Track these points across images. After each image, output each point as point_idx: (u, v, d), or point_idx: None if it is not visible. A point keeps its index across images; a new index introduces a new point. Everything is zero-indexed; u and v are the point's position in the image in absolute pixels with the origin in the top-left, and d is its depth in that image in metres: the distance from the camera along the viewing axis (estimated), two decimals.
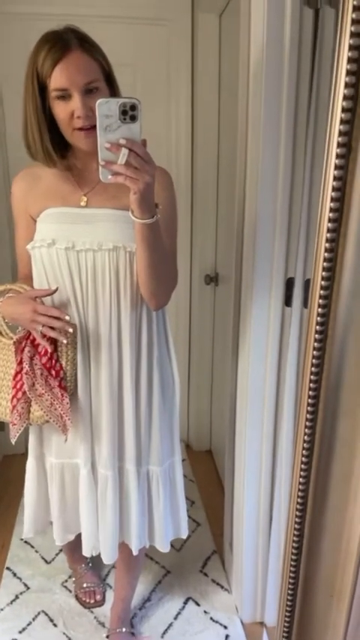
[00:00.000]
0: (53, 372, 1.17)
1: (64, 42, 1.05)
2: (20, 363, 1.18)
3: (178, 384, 1.36)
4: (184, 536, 1.45)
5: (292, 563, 1.24)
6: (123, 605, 1.54)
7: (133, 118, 0.95)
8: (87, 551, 1.33)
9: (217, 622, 1.61)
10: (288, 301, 1.39)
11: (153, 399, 1.30)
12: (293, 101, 1.25)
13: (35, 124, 1.10)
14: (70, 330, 1.13)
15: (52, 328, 1.12)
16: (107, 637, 1.53)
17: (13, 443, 1.21)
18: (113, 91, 1.15)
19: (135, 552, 1.35)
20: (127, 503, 1.32)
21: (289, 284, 1.38)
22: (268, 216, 1.33)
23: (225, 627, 1.59)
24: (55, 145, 1.14)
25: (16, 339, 1.20)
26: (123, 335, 1.22)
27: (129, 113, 0.94)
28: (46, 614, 1.63)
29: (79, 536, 1.38)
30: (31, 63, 1.08)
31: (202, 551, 1.92)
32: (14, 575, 1.79)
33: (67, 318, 1.13)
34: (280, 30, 1.21)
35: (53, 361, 1.17)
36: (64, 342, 1.16)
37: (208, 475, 2.44)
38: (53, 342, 1.18)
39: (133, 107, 0.94)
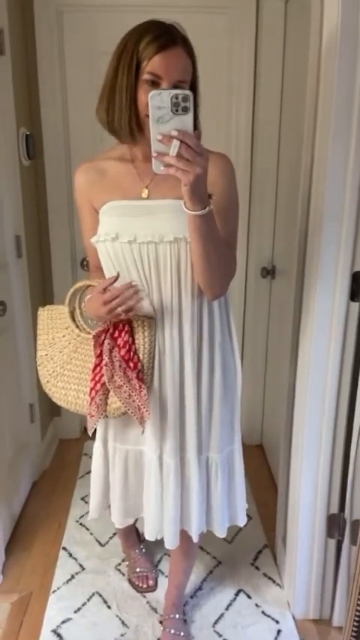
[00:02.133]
0: (131, 364, 1.19)
1: (171, 35, 1.09)
2: (99, 355, 1.21)
3: (240, 372, 1.36)
4: (242, 524, 1.45)
5: None
6: (177, 592, 1.56)
7: (185, 110, 0.94)
8: (151, 535, 1.36)
9: (268, 616, 1.61)
10: (354, 295, 1.36)
11: (214, 387, 1.30)
12: None
13: (126, 99, 1.10)
14: (133, 301, 1.13)
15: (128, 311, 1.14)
16: (161, 622, 1.55)
17: (90, 434, 1.25)
18: (196, 99, 1.14)
19: (195, 539, 1.37)
20: (188, 491, 1.33)
21: (356, 277, 1.35)
22: (335, 208, 1.30)
23: (277, 622, 1.58)
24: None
25: (96, 333, 1.23)
26: (184, 325, 1.23)
27: (181, 105, 0.94)
28: (101, 596, 1.68)
29: (134, 522, 1.40)
30: (131, 41, 1.09)
31: (254, 544, 1.91)
32: (70, 555, 1.85)
33: (134, 284, 1.13)
34: (356, 15, 1.17)
35: (131, 353, 1.19)
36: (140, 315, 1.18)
37: (259, 469, 2.43)
38: (132, 334, 1.21)
39: (185, 99, 0.93)
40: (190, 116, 0.94)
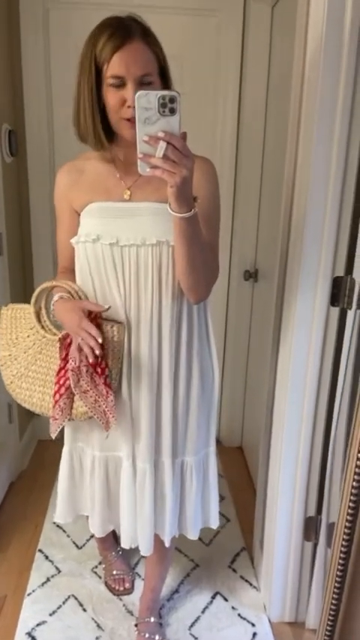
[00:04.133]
0: (99, 370, 1.17)
1: (126, 30, 1.05)
2: (65, 359, 1.19)
3: (217, 376, 1.35)
4: (215, 526, 1.44)
5: (341, 562, 1.23)
6: (152, 596, 1.55)
7: (172, 111, 0.92)
8: (126, 543, 1.34)
9: (244, 619, 1.61)
10: (334, 300, 1.37)
11: (191, 390, 1.30)
12: (350, 95, 1.23)
13: (89, 105, 1.09)
14: (97, 352, 1.12)
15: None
16: (136, 625, 1.54)
17: (53, 437, 1.23)
18: (167, 87, 1.13)
19: (167, 543, 1.36)
20: (162, 494, 1.33)
21: (336, 282, 1.36)
22: (317, 214, 1.31)
23: (253, 625, 1.59)
24: (103, 131, 1.12)
25: (62, 336, 1.21)
26: (163, 328, 1.22)
27: (168, 106, 0.92)
28: (76, 599, 1.66)
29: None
30: (89, 45, 1.07)
31: (231, 547, 1.91)
32: (46, 557, 1.83)
33: (97, 352, 1.12)
34: (341, 21, 1.18)
35: (99, 359, 1.16)
36: (90, 360, 1.15)
37: (238, 471, 2.44)
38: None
39: (172, 100, 0.92)
40: (177, 117, 0.93)
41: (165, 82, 1.12)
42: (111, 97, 1.07)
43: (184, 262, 1.11)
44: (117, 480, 1.34)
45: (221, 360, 2.60)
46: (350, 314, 1.35)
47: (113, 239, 1.16)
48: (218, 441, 2.68)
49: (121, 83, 1.05)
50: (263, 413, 1.75)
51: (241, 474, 2.42)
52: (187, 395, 1.30)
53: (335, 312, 1.39)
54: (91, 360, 1.14)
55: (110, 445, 1.31)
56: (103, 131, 1.12)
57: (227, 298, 2.49)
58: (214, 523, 1.44)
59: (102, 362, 1.17)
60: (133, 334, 1.22)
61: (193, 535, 1.40)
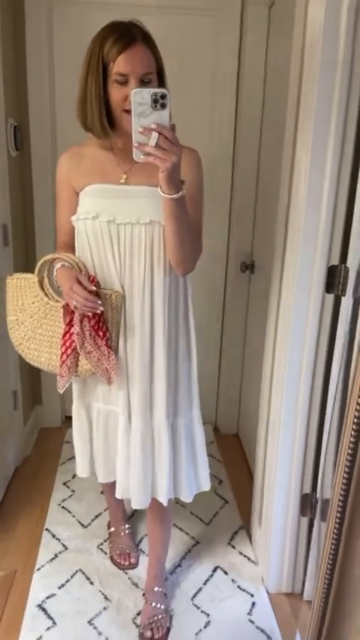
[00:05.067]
0: (100, 333, 1.33)
1: (131, 34, 1.20)
2: (69, 323, 1.34)
3: (194, 338, 1.49)
4: (207, 489, 1.55)
5: (334, 536, 1.31)
6: (158, 564, 1.64)
7: (163, 106, 1.08)
8: (119, 493, 1.48)
9: (244, 590, 1.70)
10: (329, 287, 1.45)
11: (179, 354, 1.45)
12: (346, 89, 1.30)
13: (96, 99, 1.23)
14: (100, 310, 1.29)
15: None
16: (144, 595, 1.63)
17: (61, 392, 1.40)
18: (162, 84, 1.28)
19: (165, 503, 1.47)
20: (159, 456, 1.45)
21: (331, 271, 1.44)
22: (314, 207, 1.39)
23: (252, 595, 1.68)
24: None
25: (66, 303, 1.34)
26: (155, 298, 1.36)
27: (159, 101, 1.07)
28: (84, 573, 1.74)
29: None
30: (97, 46, 1.21)
31: (230, 526, 2.00)
32: (53, 536, 1.91)
33: (100, 309, 1.29)
34: (337, 22, 1.26)
35: (100, 324, 1.33)
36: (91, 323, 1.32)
37: (235, 457, 2.52)
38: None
39: (163, 96, 1.07)
40: (167, 111, 1.08)
41: (161, 79, 1.28)
42: (115, 92, 1.22)
43: (173, 239, 1.26)
44: (115, 433, 1.48)
45: (218, 352, 2.69)
46: (344, 300, 1.43)
47: (111, 217, 1.30)
48: (216, 429, 2.77)
49: (125, 80, 1.20)
50: (259, 401, 1.84)
51: (238, 459, 2.51)
52: (176, 357, 1.45)
53: (330, 298, 1.48)
54: (92, 324, 1.30)
55: (111, 399, 1.46)
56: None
57: (225, 289, 2.57)
58: (206, 485, 1.55)
59: (103, 326, 1.33)
60: (127, 302, 1.37)
61: (187, 497, 1.51)
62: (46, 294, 1.43)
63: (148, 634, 1.51)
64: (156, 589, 1.61)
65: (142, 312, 1.36)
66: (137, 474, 1.44)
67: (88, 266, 1.37)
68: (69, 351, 1.35)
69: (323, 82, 1.30)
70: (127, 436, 1.44)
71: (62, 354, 1.36)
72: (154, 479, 1.46)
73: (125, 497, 1.49)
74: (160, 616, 1.56)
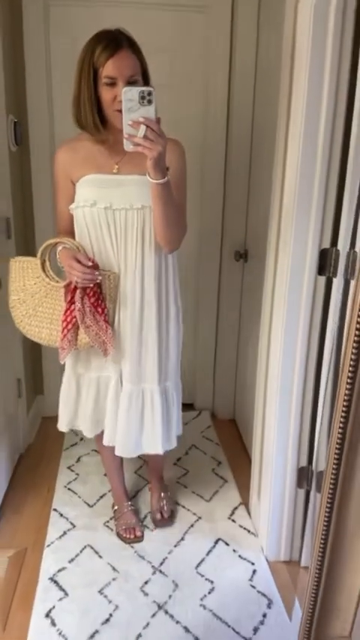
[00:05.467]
0: (99, 310, 1.50)
1: (117, 41, 1.36)
2: (70, 301, 1.50)
3: (180, 310, 1.69)
4: (179, 433, 1.83)
5: (328, 505, 1.41)
6: (157, 471, 2.02)
7: (150, 102, 1.24)
8: (107, 441, 1.71)
9: (245, 559, 1.79)
10: (321, 270, 1.55)
11: (170, 324, 1.65)
12: (335, 79, 1.38)
13: (88, 101, 1.40)
14: (99, 279, 1.46)
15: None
16: (150, 490, 2.06)
17: (62, 362, 1.62)
18: (146, 84, 1.42)
19: (162, 452, 1.72)
20: (153, 415, 1.68)
21: (323, 254, 1.53)
22: (306, 194, 1.48)
23: (252, 564, 1.77)
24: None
25: (67, 283, 1.51)
26: (146, 275, 1.55)
27: (146, 98, 1.24)
28: (92, 548, 1.82)
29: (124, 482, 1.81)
30: (87, 53, 1.37)
31: (230, 502, 2.10)
32: (61, 515, 1.99)
33: (99, 278, 1.47)
34: (325, 25, 1.35)
35: (99, 301, 1.51)
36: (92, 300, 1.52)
37: (232, 440, 2.61)
38: (99, 286, 1.50)
39: (150, 93, 1.24)
40: (153, 107, 1.25)
41: (146, 80, 1.44)
42: (105, 94, 1.38)
43: (160, 219, 1.44)
44: (105, 394, 1.69)
45: (214, 338, 2.78)
46: (335, 282, 1.53)
47: (107, 204, 1.47)
48: (213, 414, 2.86)
49: (113, 82, 1.36)
50: (254, 385, 1.93)
51: (235, 442, 2.60)
52: (167, 328, 1.64)
53: (322, 280, 1.57)
54: (92, 301, 1.48)
55: (103, 367, 1.66)
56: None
57: (219, 278, 2.65)
58: (178, 431, 1.82)
59: (102, 303, 1.51)
60: (122, 279, 1.55)
61: (166, 448, 1.75)
62: (47, 276, 1.59)
63: (158, 516, 1.94)
64: (159, 484, 2.00)
65: (134, 287, 1.55)
66: (123, 427, 1.66)
67: (87, 251, 1.53)
68: (69, 326, 1.51)
69: (313, 66, 1.38)
70: (117, 394, 1.65)
71: (63, 329, 1.52)
72: (146, 435, 1.70)
73: (112, 444, 1.70)
74: (164, 502, 1.97)
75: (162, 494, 2.02)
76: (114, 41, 1.35)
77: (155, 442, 1.71)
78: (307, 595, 1.48)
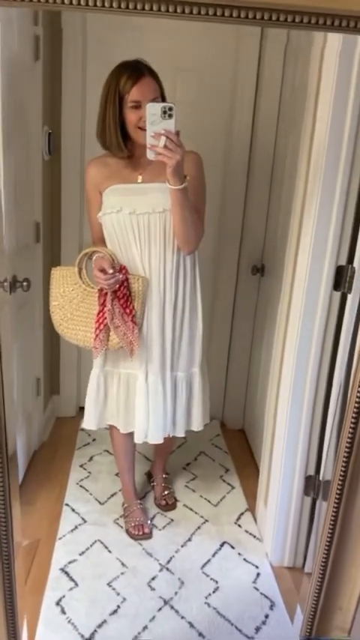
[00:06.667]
0: (127, 311, 1.64)
1: (139, 70, 1.56)
2: (103, 304, 1.65)
3: (200, 307, 1.82)
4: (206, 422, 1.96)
5: (334, 512, 1.47)
6: (163, 461, 2.17)
7: (170, 116, 1.41)
8: (139, 438, 1.80)
9: (249, 562, 1.85)
10: (337, 285, 1.62)
11: (184, 321, 1.78)
12: (358, 110, 1.46)
13: (114, 124, 1.59)
14: (119, 277, 1.60)
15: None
16: (152, 482, 2.20)
17: (95, 359, 1.76)
18: (164, 102, 1.59)
19: (182, 434, 1.89)
20: (180, 399, 1.84)
21: (339, 270, 1.61)
22: (325, 213, 1.56)
23: (256, 567, 1.83)
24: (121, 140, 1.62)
25: (101, 287, 1.64)
26: (166, 274, 1.69)
27: (167, 113, 1.41)
28: (102, 543, 1.89)
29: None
30: (113, 82, 1.57)
31: (236, 508, 2.15)
32: (73, 510, 2.06)
33: (118, 277, 1.61)
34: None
35: (128, 303, 1.64)
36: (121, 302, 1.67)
37: (241, 449, 2.67)
38: (129, 289, 1.65)
39: (170, 109, 1.41)
40: (173, 121, 1.41)
41: (163, 100, 1.61)
42: (131, 115, 1.58)
43: (179, 222, 1.59)
44: (134, 391, 1.79)
45: (226, 350, 2.85)
46: (350, 297, 1.60)
47: (132, 209, 1.62)
48: (223, 424, 2.92)
49: (138, 105, 1.55)
50: (264, 397, 1.99)
51: (243, 452, 2.65)
52: (181, 324, 1.78)
53: (337, 295, 1.64)
54: (121, 302, 1.63)
55: (131, 365, 1.76)
56: (122, 140, 1.62)
57: (235, 291, 2.73)
58: (206, 419, 1.95)
59: (130, 304, 1.65)
60: (148, 281, 1.68)
61: (199, 427, 1.92)
62: (83, 282, 1.73)
63: (163, 502, 2.12)
64: (164, 475, 2.17)
65: (159, 288, 1.69)
66: (159, 418, 1.79)
67: (116, 253, 1.68)
68: (102, 326, 1.65)
69: (338, 94, 1.46)
70: (146, 390, 1.77)
71: (96, 329, 1.65)
72: (173, 419, 1.84)
73: (143, 440, 1.80)
74: (167, 491, 2.14)
75: (164, 475, 2.20)
76: (136, 70, 1.55)
77: (178, 425, 1.86)
78: (308, 597, 1.53)
